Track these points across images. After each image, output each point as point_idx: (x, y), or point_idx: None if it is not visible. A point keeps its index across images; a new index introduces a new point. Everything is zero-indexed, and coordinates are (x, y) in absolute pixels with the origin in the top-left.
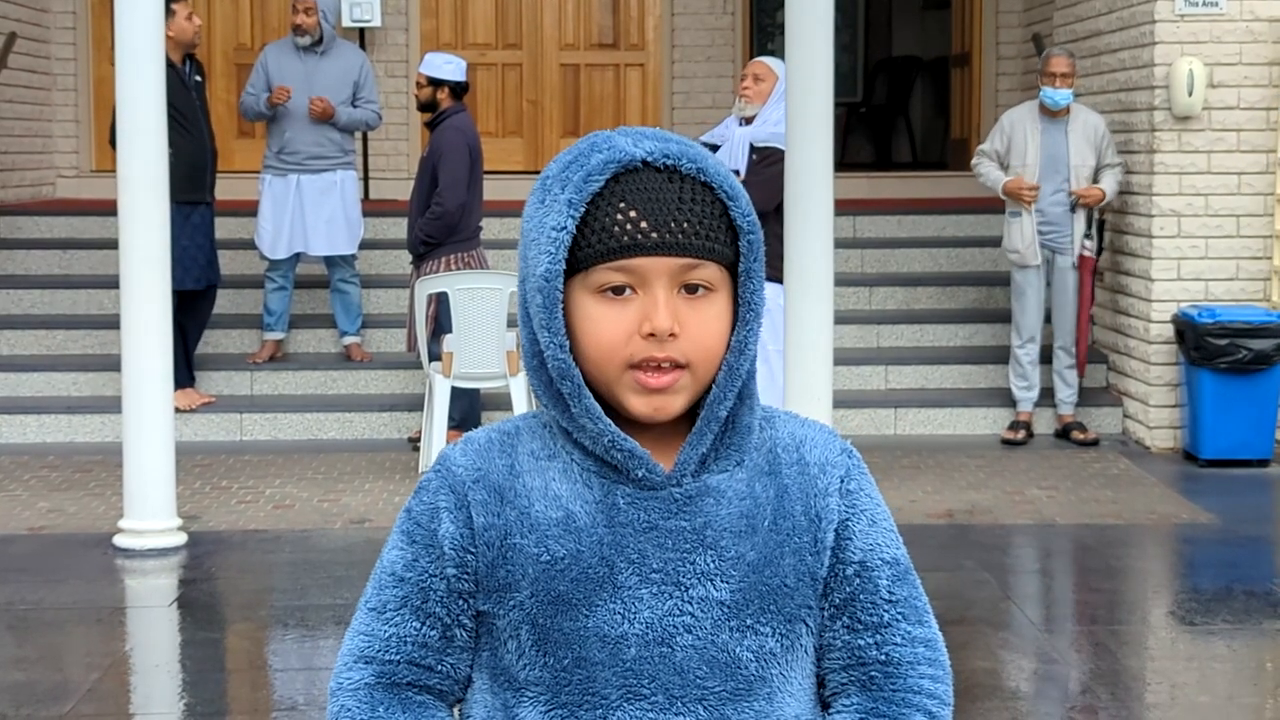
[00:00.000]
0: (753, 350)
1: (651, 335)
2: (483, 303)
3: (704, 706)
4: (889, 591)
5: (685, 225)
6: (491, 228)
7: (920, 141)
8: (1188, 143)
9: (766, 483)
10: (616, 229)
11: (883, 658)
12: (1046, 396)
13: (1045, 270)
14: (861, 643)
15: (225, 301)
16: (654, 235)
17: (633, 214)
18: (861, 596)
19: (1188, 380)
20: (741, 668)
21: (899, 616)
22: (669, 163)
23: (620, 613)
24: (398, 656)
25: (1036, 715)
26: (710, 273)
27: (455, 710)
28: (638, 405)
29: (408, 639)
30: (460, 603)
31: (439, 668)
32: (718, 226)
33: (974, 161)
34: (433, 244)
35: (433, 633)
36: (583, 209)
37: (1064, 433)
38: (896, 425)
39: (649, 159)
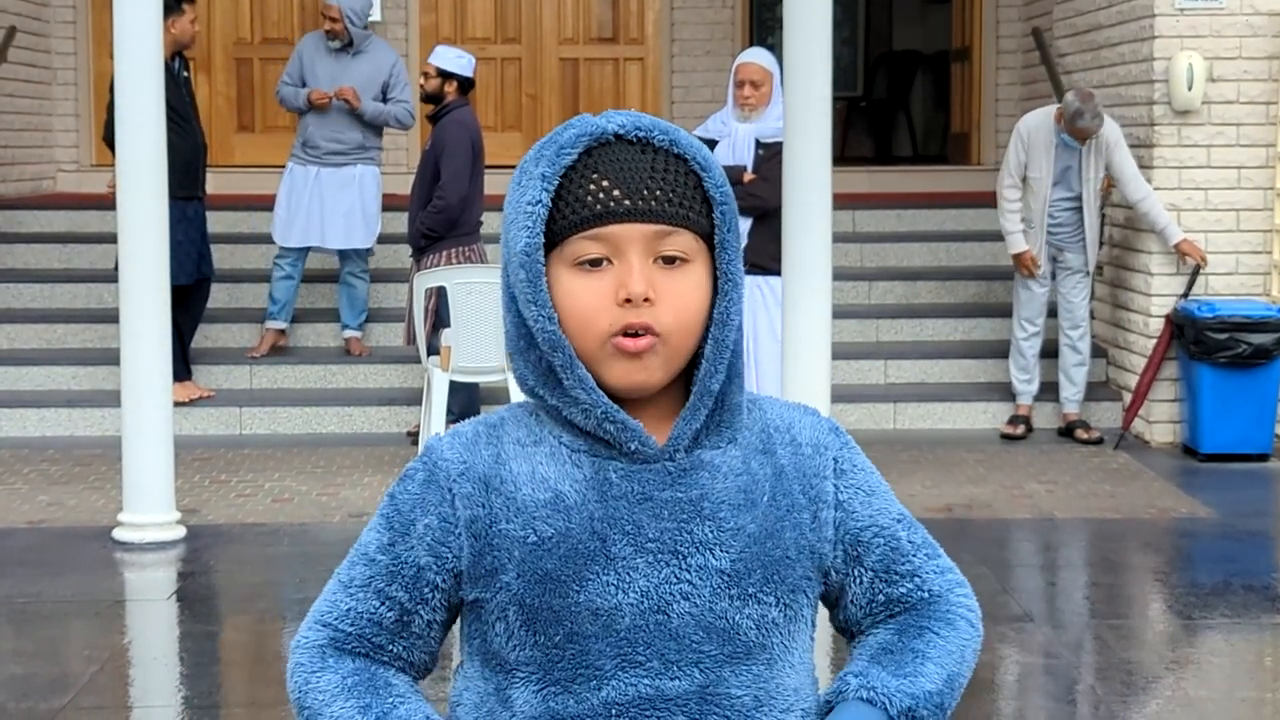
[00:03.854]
0: (735, 321)
1: (627, 301)
2: (481, 297)
3: (700, 670)
4: (909, 542)
5: (658, 193)
6: (491, 222)
7: (920, 136)
8: (1187, 137)
9: (763, 460)
10: (589, 198)
11: (926, 594)
12: (1046, 391)
13: (1050, 267)
14: (903, 590)
15: (223, 295)
16: (626, 202)
17: (605, 183)
18: (892, 554)
19: (1187, 375)
20: (740, 634)
21: (926, 556)
22: (641, 135)
23: (614, 583)
24: (351, 629)
25: (1035, 710)
26: (685, 241)
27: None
28: (618, 374)
29: (364, 615)
30: (427, 592)
31: (390, 648)
32: (692, 196)
33: (1001, 189)
34: (433, 238)
35: (390, 614)
36: (556, 182)
37: (1068, 430)
38: (895, 420)
39: (621, 132)
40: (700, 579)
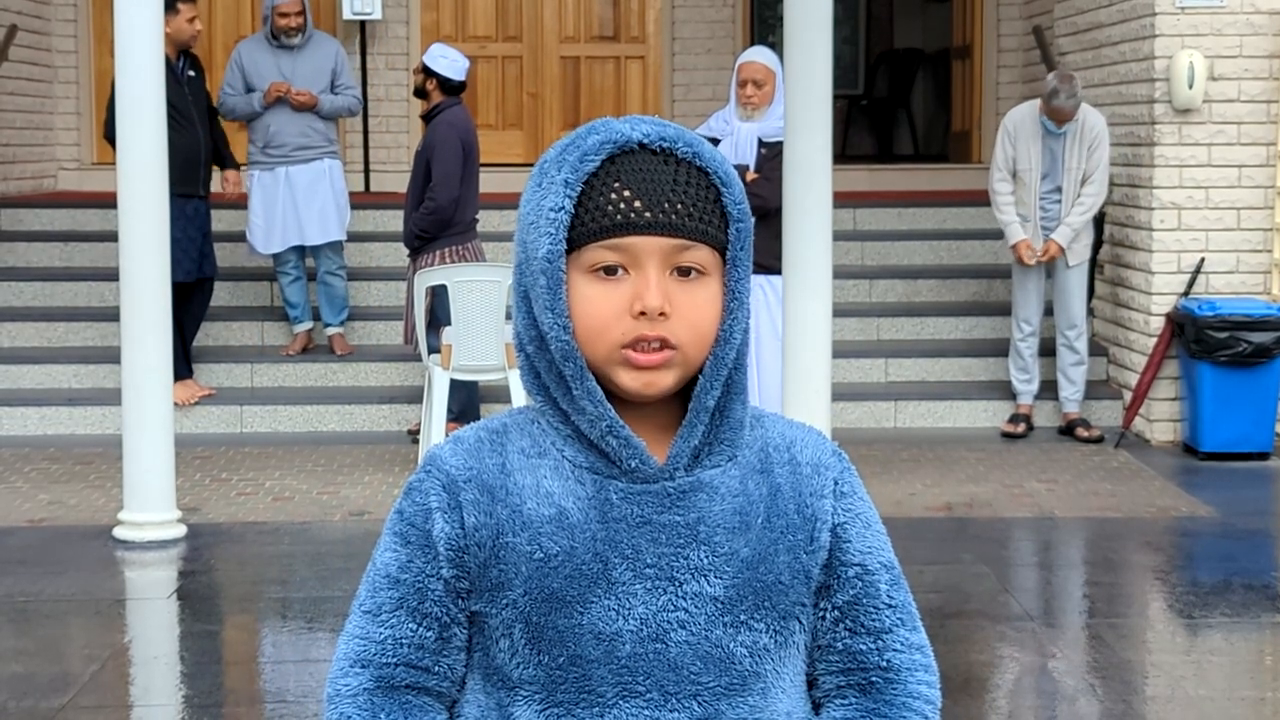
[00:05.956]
0: (738, 339)
1: (642, 314)
2: (481, 295)
3: (698, 702)
4: (889, 596)
5: (679, 206)
6: (491, 220)
7: (921, 134)
8: (1188, 135)
9: (759, 480)
10: (610, 208)
11: (883, 663)
12: (1046, 389)
13: (1047, 265)
14: (862, 647)
15: (225, 294)
16: (647, 215)
17: (626, 193)
18: (864, 600)
19: (1187, 373)
20: (735, 663)
21: (898, 621)
22: (665, 145)
23: (615, 609)
24: (394, 659)
25: (1034, 708)
26: (703, 255)
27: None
28: (628, 381)
29: (404, 641)
30: (460, 602)
31: (436, 669)
32: (711, 210)
33: (992, 183)
34: (426, 238)
35: (429, 634)
36: (579, 189)
37: (1068, 429)
38: (896, 418)
39: (645, 141)
40: (696, 606)
